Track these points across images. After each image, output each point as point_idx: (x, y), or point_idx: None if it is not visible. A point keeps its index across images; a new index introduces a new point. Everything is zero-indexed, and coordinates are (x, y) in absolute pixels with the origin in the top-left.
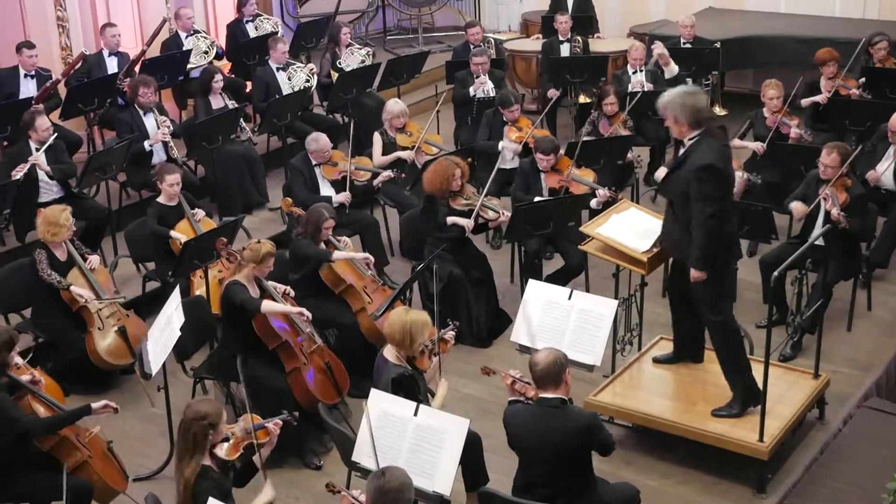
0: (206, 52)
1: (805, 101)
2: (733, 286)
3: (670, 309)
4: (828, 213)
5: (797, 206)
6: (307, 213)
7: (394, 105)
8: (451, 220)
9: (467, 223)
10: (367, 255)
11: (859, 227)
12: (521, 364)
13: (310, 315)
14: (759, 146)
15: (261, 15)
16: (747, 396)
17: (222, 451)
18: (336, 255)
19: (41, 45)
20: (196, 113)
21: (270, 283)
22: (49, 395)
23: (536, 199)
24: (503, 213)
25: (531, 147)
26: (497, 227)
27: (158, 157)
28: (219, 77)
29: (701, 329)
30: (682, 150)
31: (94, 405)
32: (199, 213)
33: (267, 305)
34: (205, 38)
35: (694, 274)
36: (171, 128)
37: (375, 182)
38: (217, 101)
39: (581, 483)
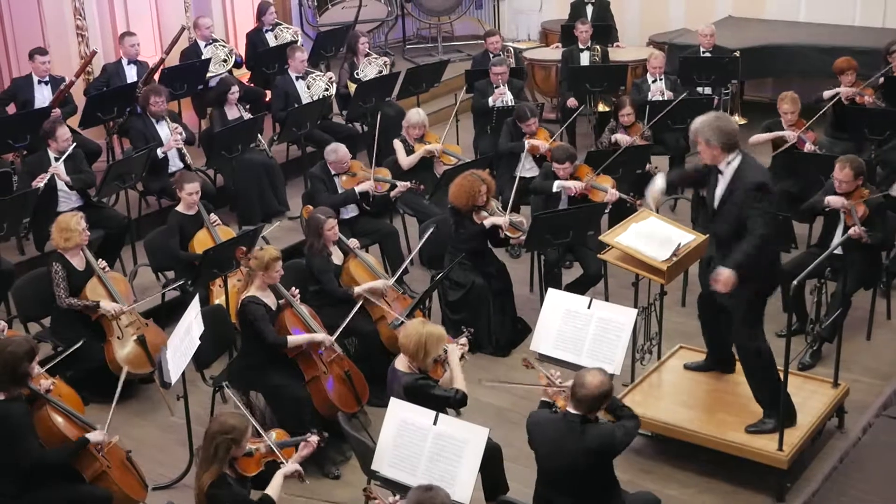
0: (224, 61)
1: (827, 94)
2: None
3: (700, 321)
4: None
5: (833, 198)
6: (307, 224)
7: (414, 115)
8: (489, 221)
9: (503, 221)
10: (382, 281)
11: (881, 239)
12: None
13: (335, 346)
14: (790, 134)
15: (280, 24)
16: (783, 416)
17: (242, 466)
18: (357, 290)
19: (60, 54)
20: (212, 123)
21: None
22: (68, 404)
23: (556, 182)
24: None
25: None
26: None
27: (174, 164)
28: (235, 89)
29: (730, 341)
30: (719, 184)
31: (92, 437)
32: (215, 217)
33: (292, 341)
34: (223, 46)
35: (723, 275)
36: (184, 134)
37: (392, 194)
38: (232, 112)
39: (601, 499)
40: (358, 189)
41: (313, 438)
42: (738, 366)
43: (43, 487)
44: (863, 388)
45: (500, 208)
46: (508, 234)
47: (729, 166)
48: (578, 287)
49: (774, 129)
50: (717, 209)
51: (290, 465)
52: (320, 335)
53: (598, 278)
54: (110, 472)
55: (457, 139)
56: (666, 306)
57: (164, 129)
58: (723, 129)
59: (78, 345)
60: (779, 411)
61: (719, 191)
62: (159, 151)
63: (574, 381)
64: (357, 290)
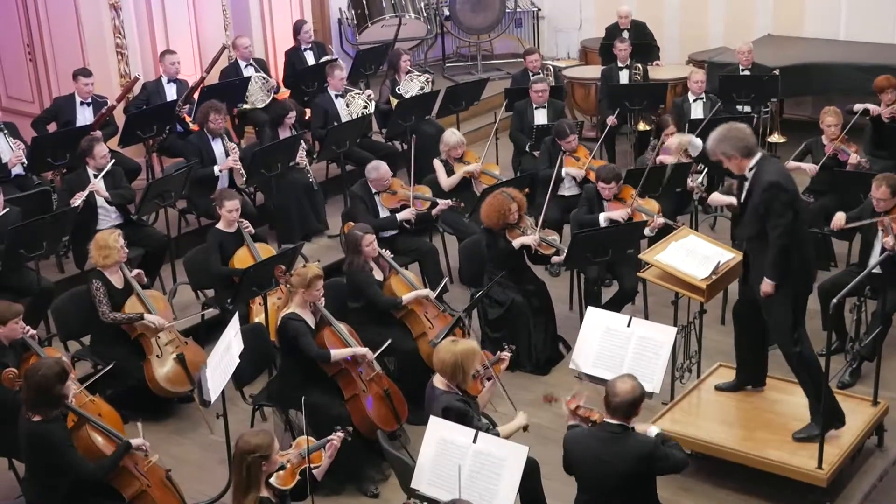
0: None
1: (858, 107)
2: (804, 314)
3: (735, 332)
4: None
5: (838, 217)
6: (346, 240)
7: (450, 136)
8: (518, 241)
9: (532, 240)
10: (427, 290)
11: None
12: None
13: (373, 357)
14: (811, 168)
15: (322, 44)
16: (830, 419)
17: (278, 480)
18: (406, 298)
19: (100, 73)
20: (262, 141)
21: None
22: (107, 423)
23: (602, 215)
24: (563, 252)
25: (590, 179)
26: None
27: (223, 182)
28: (293, 114)
29: (765, 354)
30: (745, 189)
31: (134, 441)
32: (247, 224)
33: (336, 355)
34: (265, 80)
35: (765, 284)
36: (239, 153)
37: (434, 212)
38: (285, 135)
39: None
40: (399, 217)
41: (337, 436)
42: (773, 382)
43: None
44: None
45: (534, 225)
46: (541, 250)
47: (751, 172)
48: (615, 304)
49: (813, 147)
50: (740, 215)
51: (325, 463)
52: (362, 349)
53: (634, 293)
54: (150, 492)
55: (496, 157)
56: (705, 324)
57: (218, 147)
58: (735, 138)
59: (109, 366)
60: (828, 416)
61: (744, 195)
62: (216, 169)
63: (606, 391)
64: (406, 297)
